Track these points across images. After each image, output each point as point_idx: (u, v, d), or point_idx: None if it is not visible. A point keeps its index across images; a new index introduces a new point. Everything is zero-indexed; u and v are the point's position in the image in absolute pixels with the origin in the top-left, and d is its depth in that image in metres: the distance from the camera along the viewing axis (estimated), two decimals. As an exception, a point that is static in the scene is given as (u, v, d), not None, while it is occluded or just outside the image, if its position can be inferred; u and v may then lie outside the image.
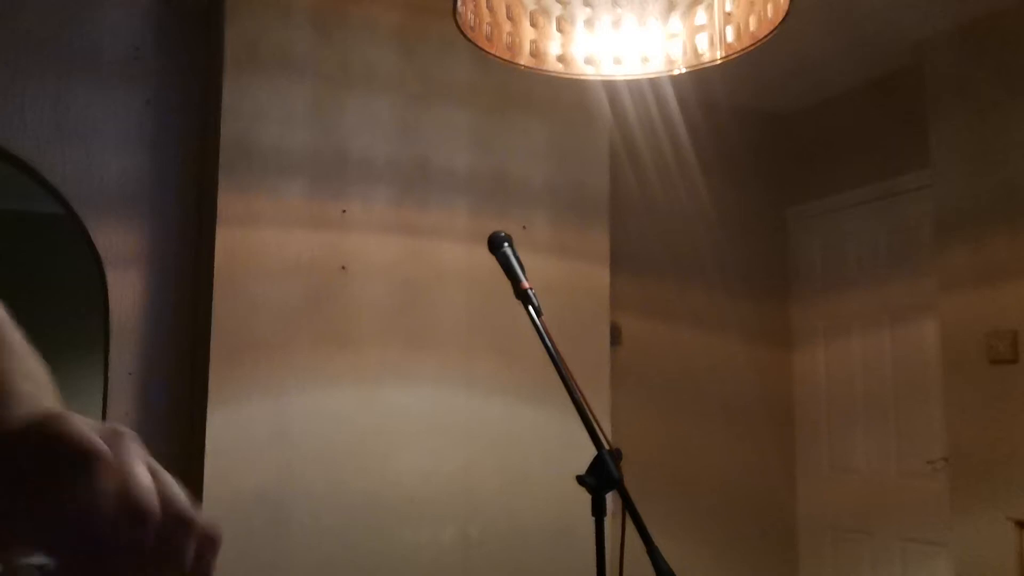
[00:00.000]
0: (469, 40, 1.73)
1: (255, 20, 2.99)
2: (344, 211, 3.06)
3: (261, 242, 2.94)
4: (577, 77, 1.86)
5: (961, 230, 3.35)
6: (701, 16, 1.75)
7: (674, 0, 1.73)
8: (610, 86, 3.58)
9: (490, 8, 1.75)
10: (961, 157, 3.37)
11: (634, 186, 3.94)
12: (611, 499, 1.38)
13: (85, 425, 0.46)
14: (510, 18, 1.76)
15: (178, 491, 0.48)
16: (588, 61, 1.81)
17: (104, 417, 2.99)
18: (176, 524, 0.47)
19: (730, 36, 1.73)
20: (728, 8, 1.73)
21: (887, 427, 3.82)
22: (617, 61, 1.80)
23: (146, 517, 0.45)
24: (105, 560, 0.45)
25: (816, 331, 4.23)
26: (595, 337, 3.46)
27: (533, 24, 1.77)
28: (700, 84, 3.81)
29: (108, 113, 3.06)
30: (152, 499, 0.46)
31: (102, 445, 0.46)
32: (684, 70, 1.81)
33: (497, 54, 1.76)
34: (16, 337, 0.62)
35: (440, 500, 3.09)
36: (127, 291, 3.03)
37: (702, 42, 1.76)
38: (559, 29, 1.79)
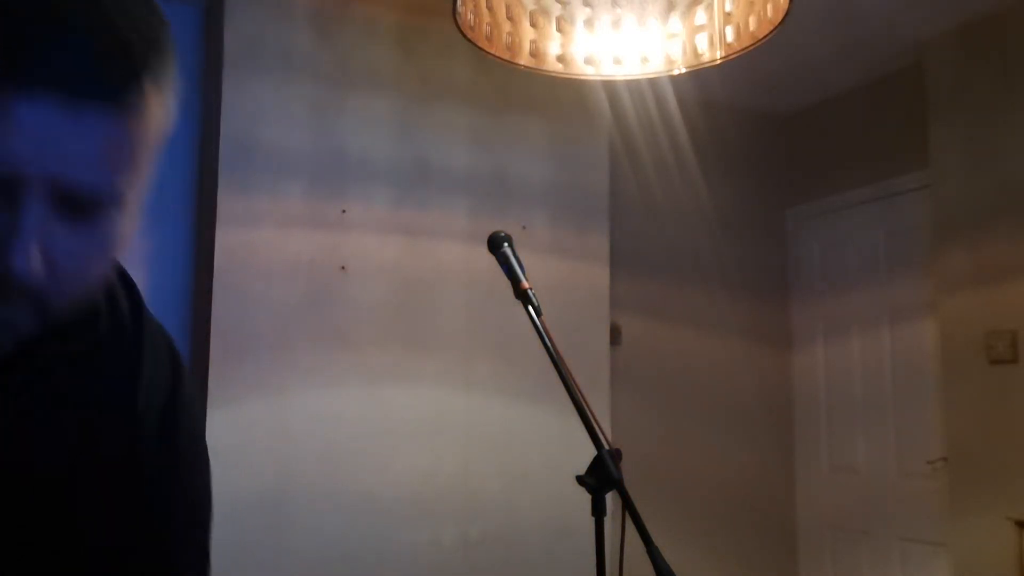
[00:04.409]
0: (469, 40, 1.73)
1: (255, 20, 2.99)
2: (344, 211, 3.06)
3: (261, 242, 2.93)
4: (577, 77, 1.86)
5: (960, 230, 3.35)
6: (701, 16, 1.75)
7: (674, 0, 1.74)
8: (610, 86, 3.58)
9: (490, 8, 1.75)
10: (961, 157, 3.37)
11: (634, 186, 3.94)
12: (611, 499, 1.38)
13: None
14: (510, 18, 1.76)
15: None
16: (588, 61, 1.81)
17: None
18: None
19: (730, 36, 1.73)
20: (728, 8, 1.73)
21: (886, 427, 3.82)
22: (617, 61, 1.81)
23: None
24: None
25: (815, 331, 4.23)
26: (595, 337, 3.46)
27: (533, 24, 1.78)
28: (700, 84, 3.81)
29: (108, 113, 3.06)
30: None
31: None
32: (684, 70, 1.81)
33: (497, 54, 1.76)
34: None
35: (440, 500, 3.09)
36: (127, 291, 3.03)
37: (702, 42, 1.76)
38: (559, 29, 1.79)
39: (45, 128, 0.55)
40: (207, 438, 2.85)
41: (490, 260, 1.57)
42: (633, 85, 3.73)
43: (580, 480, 1.35)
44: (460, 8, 1.67)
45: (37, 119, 0.55)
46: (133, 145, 0.62)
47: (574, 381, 1.41)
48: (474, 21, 1.73)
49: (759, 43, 1.68)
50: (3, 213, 0.56)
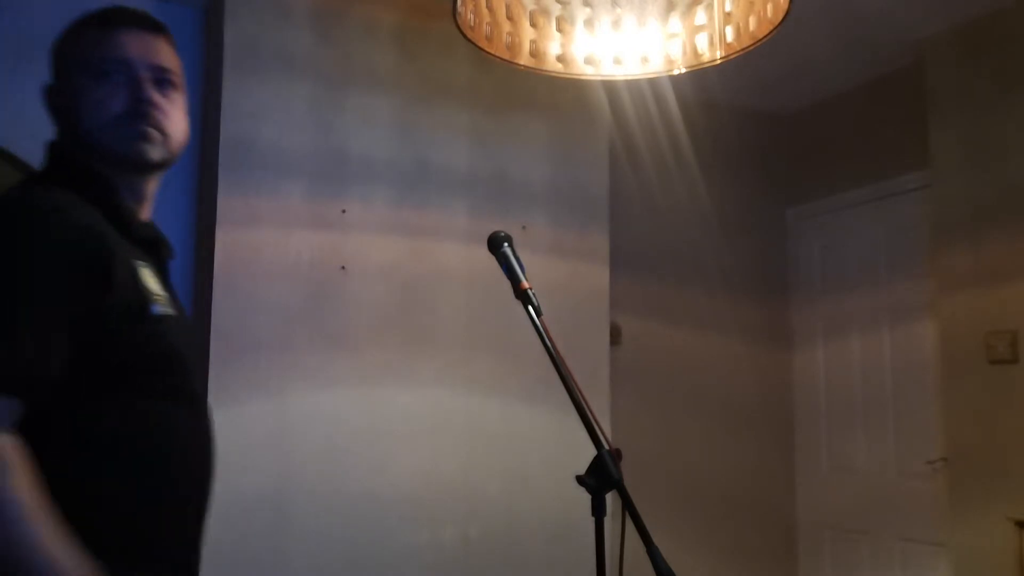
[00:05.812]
0: (469, 40, 1.73)
1: (255, 20, 2.99)
2: (344, 211, 3.06)
3: (261, 242, 2.93)
4: (577, 77, 1.86)
5: (960, 230, 3.35)
6: (701, 16, 1.75)
7: (674, 0, 1.74)
8: (610, 86, 3.58)
9: (490, 8, 1.75)
10: (961, 157, 3.37)
11: (634, 186, 3.94)
12: (611, 499, 1.38)
13: None
14: (510, 18, 1.76)
15: None
16: (588, 61, 1.81)
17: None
18: None
19: (730, 36, 1.73)
20: (728, 8, 1.73)
21: (886, 427, 3.82)
22: (617, 61, 1.81)
23: None
24: None
25: (815, 331, 4.23)
26: (595, 337, 3.46)
27: (533, 24, 1.78)
28: (700, 84, 3.81)
29: (108, 113, 3.06)
30: None
31: None
32: (684, 70, 1.81)
33: (497, 54, 1.76)
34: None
35: (440, 500, 3.09)
36: (127, 291, 3.03)
37: (702, 42, 1.76)
38: (559, 29, 1.79)
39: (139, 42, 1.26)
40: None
41: (490, 260, 1.57)
42: (633, 85, 3.73)
43: (580, 480, 1.34)
44: (460, 8, 1.67)
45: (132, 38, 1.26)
46: (174, 52, 1.32)
47: (574, 381, 1.41)
48: (474, 21, 1.73)
49: (759, 43, 1.68)
50: (131, 88, 1.25)
